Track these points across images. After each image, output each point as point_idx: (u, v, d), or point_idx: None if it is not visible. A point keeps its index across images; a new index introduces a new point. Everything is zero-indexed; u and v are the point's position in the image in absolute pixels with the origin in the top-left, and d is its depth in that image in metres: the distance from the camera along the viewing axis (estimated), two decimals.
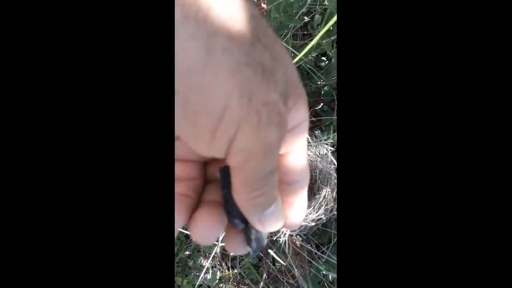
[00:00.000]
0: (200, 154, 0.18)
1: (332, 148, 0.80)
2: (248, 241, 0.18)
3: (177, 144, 0.19)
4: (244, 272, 0.98)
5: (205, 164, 0.21)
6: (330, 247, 0.87)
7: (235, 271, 1.00)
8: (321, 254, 0.77)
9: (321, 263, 0.80)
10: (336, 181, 0.75)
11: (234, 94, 0.14)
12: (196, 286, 0.98)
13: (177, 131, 0.16)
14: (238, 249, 0.19)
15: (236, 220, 0.18)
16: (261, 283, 0.84)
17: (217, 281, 1.00)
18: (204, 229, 0.18)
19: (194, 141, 0.16)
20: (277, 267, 0.99)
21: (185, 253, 0.96)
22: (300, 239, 0.89)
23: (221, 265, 1.01)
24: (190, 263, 0.94)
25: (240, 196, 0.17)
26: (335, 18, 0.51)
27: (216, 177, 0.20)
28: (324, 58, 0.96)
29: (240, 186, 0.16)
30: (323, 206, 0.74)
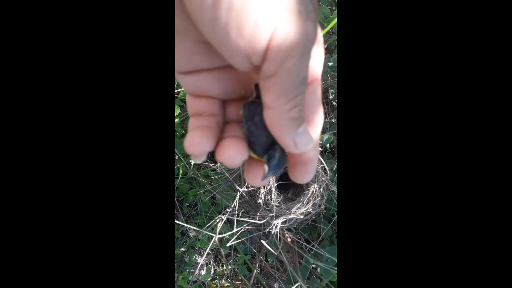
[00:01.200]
0: (236, 64, 0.17)
1: (320, 148, 0.85)
2: (271, 165, 0.20)
3: (201, 77, 0.20)
4: (237, 269, 1.01)
5: (224, 105, 0.22)
6: (318, 241, 0.92)
7: (229, 267, 1.03)
8: (311, 247, 0.81)
9: (310, 255, 0.84)
10: (323, 178, 0.80)
11: None
12: (190, 282, 1.01)
13: (215, 36, 0.16)
14: (258, 179, 0.21)
15: (259, 147, 0.20)
16: (252, 279, 0.88)
17: (211, 277, 1.03)
18: (233, 152, 0.19)
19: (234, 42, 0.15)
20: (270, 262, 1.03)
21: (181, 249, 1.00)
22: (291, 234, 0.94)
23: (215, 261, 1.05)
24: (186, 258, 0.97)
25: (275, 111, 0.17)
26: (335, 21, 0.54)
27: (234, 118, 0.21)
28: None
29: (276, 97, 0.16)
30: (311, 200, 0.78)
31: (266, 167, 0.20)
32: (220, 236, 0.69)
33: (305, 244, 0.84)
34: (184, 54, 0.19)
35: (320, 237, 0.91)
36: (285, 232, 0.83)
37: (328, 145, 0.94)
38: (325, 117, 1.09)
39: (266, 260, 1.01)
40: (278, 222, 0.74)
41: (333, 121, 1.02)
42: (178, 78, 0.21)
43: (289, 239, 0.98)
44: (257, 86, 0.20)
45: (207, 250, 0.76)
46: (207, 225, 0.81)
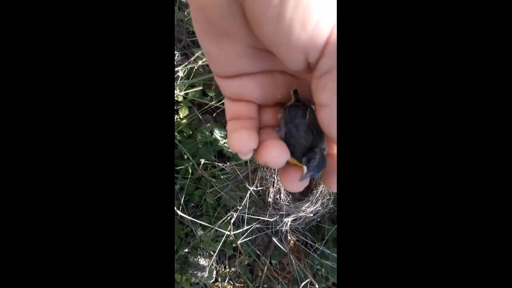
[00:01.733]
0: (291, 61, 0.18)
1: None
2: (310, 166, 0.20)
3: (243, 81, 0.21)
4: (240, 271, 1.01)
5: (259, 111, 0.22)
6: (323, 243, 0.93)
7: (232, 269, 1.03)
8: (318, 246, 0.83)
9: (316, 255, 0.86)
10: None
11: None
12: (193, 284, 1.01)
13: (276, 33, 0.16)
14: (295, 183, 0.21)
15: (299, 150, 0.20)
16: (262, 278, 0.88)
17: (213, 279, 1.03)
18: (277, 152, 0.20)
19: (297, 37, 0.16)
20: (273, 265, 1.03)
21: (184, 250, 0.99)
22: (295, 236, 0.95)
23: (218, 263, 1.05)
24: (191, 259, 0.97)
25: (333, 108, 0.17)
26: None
27: (268, 124, 0.22)
28: None
29: (333, 94, 0.17)
30: (320, 200, 0.80)
31: (305, 168, 0.20)
32: (234, 233, 0.70)
33: (310, 243, 0.85)
34: (231, 58, 0.19)
35: (325, 239, 0.93)
36: (290, 233, 0.85)
37: None
38: None
39: (270, 263, 1.02)
40: (288, 220, 0.75)
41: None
42: (219, 81, 0.21)
43: (291, 242, 0.99)
44: (296, 92, 0.21)
45: (218, 249, 0.77)
46: (219, 222, 0.82)
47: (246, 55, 0.19)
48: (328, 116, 0.18)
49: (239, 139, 0.20)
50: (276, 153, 0.20)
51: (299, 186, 0.22)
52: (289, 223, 0.72)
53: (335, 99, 0.17)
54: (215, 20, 0.18)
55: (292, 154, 0.21)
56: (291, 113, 0.21)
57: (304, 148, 0.21)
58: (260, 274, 1.08)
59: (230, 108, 0.22)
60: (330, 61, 0.17)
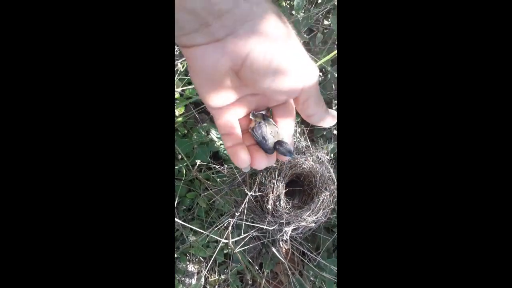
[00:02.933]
0: (276, 99, 0.30)
1: (327, 157, 0.85)
2: (285, 151, 0.30)
3: (232, 111, 0.30)
4: (231, 279, 0.97)
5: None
6: (318, 253, 0.90)
7: (222, 277, 0.99)
8: (315, 256, 0.80)
9: (312, 266, 0.83)
10: (333, 186, 0.79)
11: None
12: None
13: (268, 89, 0.27)
14: (263, 163, 0.31)
15: (280, 147, 0.30)
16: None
17: (202, 287, 0.98)
18: (264, 160, 0.30)
19: (281, 90, 0.27)
20: (265, 273, 0.99)
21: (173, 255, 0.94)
22: (291, 245, 0.92)
23: (207, 270, 1.00)
24: (180, 265, 0.92)
25: (316, 114, 0.29)
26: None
27: (245, 128, 0.32)
28: (320, 74, 1.03)
29: (313, 107, 0.29)
30: (322, 209, 0.77)
31: (280, 149, 0.30)
32: (231, 240, 0.66)
33: (307, 253, 0.82)
34: (222, 95, 0.28)
35: (321, 249, 0.90)
36: (288, 242, 0.81)
37: (333, 155, 0.94)
38: (329, 128, 1.11)
39: (261, 270, 0.98)
40: (289, 229, 0.72)
41: (334, 132, 1.04)
42: (211, 110, 0.30)
43: (283, 250, 0.95)
44: (254, 114, 0.31)
45: (213, 256, 0.72)
46: (212, 228, 0.77)
47: (232, 92, 0.28)
48: (317, 119, 0.30)
49: (241, 159, 0.29)
50: (264, 162, 0.31)
51: (266, 163, 0.31)
52: (289, 233, 0.68)
53: (317, 109, 0.29)
54: (215, 79, 0.27)
55: (267, 151, 0.31)
56: (259, 130, 0.31)
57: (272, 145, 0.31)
58: (250, 283, 1.04)
59: (221, 126, 0.31)
60: (305, 96, 0.28)
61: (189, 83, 0.93)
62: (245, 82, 0.27)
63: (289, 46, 0.25)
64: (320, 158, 0.80)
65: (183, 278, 0.97)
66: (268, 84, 0.26)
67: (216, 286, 0.99)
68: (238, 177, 0.74)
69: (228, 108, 0.29)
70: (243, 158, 0.29)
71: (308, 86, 0.27)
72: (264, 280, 0.71)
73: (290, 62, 0.25)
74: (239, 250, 0.65)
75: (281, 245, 0.85)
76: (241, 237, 0.69)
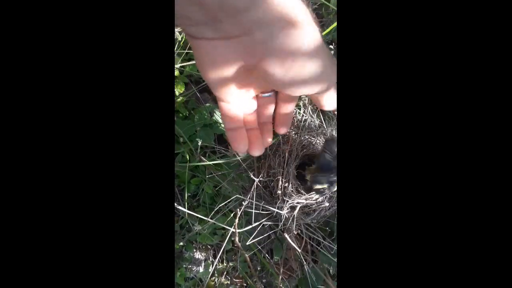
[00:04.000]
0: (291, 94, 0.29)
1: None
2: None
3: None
4: (239, 266, 0.93)
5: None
6: (331, 240, 0.86)
7: (230, 264, 0.95)
8: (327, 243, 0.75)
9: (326, 252, 0.78)
10: None
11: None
12: (188, 279, 0.92)
13: (282, 89, 0.27)
14: (259, 149, 0.32)
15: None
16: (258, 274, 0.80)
17: (210, 274, 0.95)
18: (260, 148, 0.32)
19: (298, 90, 0.27)
20: (275, 260, 0.95)
21: (179, 243, 0.90)
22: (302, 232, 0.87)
23: (214, 258, 0.96)
24: (186, 254, 0.88)
25: (329, 100, 0.30)
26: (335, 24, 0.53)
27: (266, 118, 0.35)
28: None
29: (330, 98, 0.30)
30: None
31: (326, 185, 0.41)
32: (239, 230, 0.61)
33: (321, 240, 0.77)
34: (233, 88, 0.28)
35: (334, 235, 0.85)
36: (299, 229, 0.76)
37: None
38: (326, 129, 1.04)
39: (272, 258, 0.94)
40: (296, 208, 0.66)
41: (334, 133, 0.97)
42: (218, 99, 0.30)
43: (294, 237, 0.91)
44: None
45: (224, 244, 0.68)
46: (218, 216, 0.72)
47: (239, 82, 0.28)
48: (328, 101, 0.30)
49: (239, 143, 0.31)
50: (260, 147, 0.32)
51: (262, 150, 0.32)
52: (296, 212, 0.63)
53: (330, 104, 0.30)
54: (223, 72, 0.26)
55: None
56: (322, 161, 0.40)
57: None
58: (258, 269, 1.01)
59: (222, 106, 0.30)
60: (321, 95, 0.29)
61: (190, 59, 0.85)
62: (256, 76, 0.26)
63: (312, 57, 0.24)
64: (333, 135, 0.74)
65: (190, 266, 0.93)
66: (282, 86, 0.26)
67: (224, 273, 0.95)
68: (242, 163, 0.68)
69: (232, 92, 0.29)
70: (242, 144, 0.30)
71: (324, 91, 0.27)
72: (273, 265, 0.67)
73: (309, 73, 0.24)
74: (252, 241, 0.60)
75: (294, 231, 0.80)
76: (251, 226, 0.64)
